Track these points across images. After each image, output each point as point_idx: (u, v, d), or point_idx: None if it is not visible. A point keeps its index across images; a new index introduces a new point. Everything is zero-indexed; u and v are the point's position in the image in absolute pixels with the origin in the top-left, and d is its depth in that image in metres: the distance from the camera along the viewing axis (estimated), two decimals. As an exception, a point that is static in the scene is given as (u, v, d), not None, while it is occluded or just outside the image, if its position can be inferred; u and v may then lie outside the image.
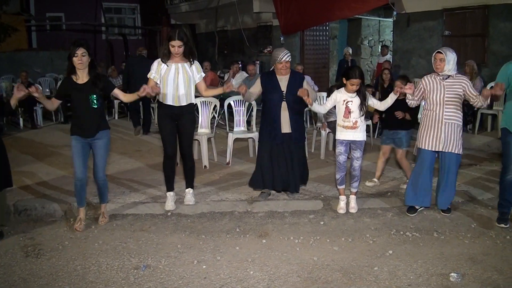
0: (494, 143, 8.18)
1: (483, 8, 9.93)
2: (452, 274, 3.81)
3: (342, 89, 5.19)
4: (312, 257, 4.19)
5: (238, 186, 6.12)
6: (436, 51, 4.89)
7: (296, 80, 5.40)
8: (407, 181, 5.63)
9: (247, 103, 7.49)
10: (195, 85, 5.26)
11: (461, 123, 4.93)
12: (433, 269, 3.94)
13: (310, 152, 7.74)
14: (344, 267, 4.00)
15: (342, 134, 5.22)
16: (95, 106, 4.72)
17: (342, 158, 5.25)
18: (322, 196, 5.73)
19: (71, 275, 3.95)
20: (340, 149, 5.24)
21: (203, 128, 7.34)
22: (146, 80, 5.13)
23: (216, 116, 8.58)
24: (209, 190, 5.96)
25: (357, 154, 5.26)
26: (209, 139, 7.30)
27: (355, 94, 5.12)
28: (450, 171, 5.00)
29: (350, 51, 13.52)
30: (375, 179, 6.13)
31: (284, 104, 5.36)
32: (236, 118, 7.50)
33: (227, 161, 7.23)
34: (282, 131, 5.38)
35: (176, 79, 5.08)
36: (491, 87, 4.83)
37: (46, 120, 11.66)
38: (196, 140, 7.33)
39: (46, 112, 11.72)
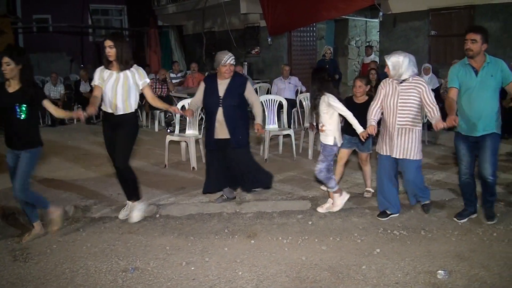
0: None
1: (469, 8, 10.04)
2: (439, 271, 3.84)
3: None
4: (300, 257, 4.21)
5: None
6: (384, 56, 4.84)
7: (236, 84, 5.22)
8: (368, 188, 5.75)
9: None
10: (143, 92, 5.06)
11: (418, 128, 4.78)
12: (421, 267, 3.97)
13: (298, 153, 7.75)
14: (332, 266, 4.02)
15: (320, 136, 5.26)
16: (22, 117, 4.44)
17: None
18: (310, 196, 5.75)
19: (59, 278, 3.93)
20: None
21: (191, 130, 7.34)
22: None
23: (204, 117, 8.57)
24: (198, 191, 5.94)
25: (319, 156, 5.20)
26: (197, 141, 7.30)
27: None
28: (410, 178, 4.91)
29: (331, 50, 12.52)
30: (369, 189, 5.78)
31: (220, 110, 5.16)
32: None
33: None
34: (216, 137, 5.22)
35: (114, 87, 4.85)
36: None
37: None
38: (185, 141, 7.34)
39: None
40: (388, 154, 4.87)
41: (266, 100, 7.79)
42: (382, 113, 4.92)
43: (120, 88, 4.85)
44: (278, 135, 7.90)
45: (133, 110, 4.99)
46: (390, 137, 4.82)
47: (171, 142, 7.32)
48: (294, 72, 11.47)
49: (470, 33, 4.53)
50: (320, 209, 5.25)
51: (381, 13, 10.32)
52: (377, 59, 12.79)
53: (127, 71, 4.88)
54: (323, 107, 5.06)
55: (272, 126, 7.79)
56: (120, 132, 4.93)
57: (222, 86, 5.19)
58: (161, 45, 17.20)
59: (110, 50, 4.78)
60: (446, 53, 10.53)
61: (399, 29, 11.57)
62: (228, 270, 4.01)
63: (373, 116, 4.91)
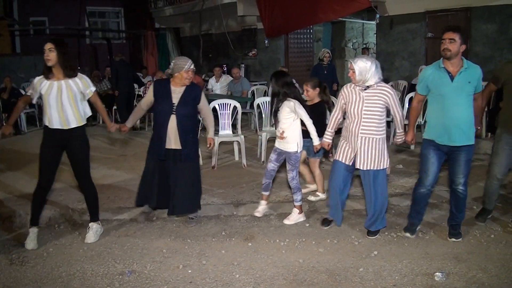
0: (477, 144, 8.24)
1: (465, 10, 10.07)
2: (437, 273, 3.84)
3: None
4: (297, 259, 4.20)
5: (224, 189, 6.11)
6: (350, 61, 4.54)
7: (192, 93, 4.97)
8: (317, 192, 5.70)
9: (232, 106, 7.49)
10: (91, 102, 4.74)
11: (382, 137, 4.50)
12: (418, 269, 3.97)
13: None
14: (329, 269, 4.01)
15: (276, 142, 5.09)
16: None
17: (270, 165, 5.12)
18: (307, 198, 5.74)
19: (56, 282, 3.91)
20: (272, 156, 5.12)
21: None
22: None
23: (201, 119, 8.56)
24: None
25: (287, 166, 5.04)
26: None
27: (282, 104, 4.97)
28: (375, 190, 4.57)
29: (330, 53, 10.74)
30: (318, 193, 5.72)
31: (173, 117, 4.85)
32: (221, 121, 7.50)
33: (213, 164, 7.22)
34: (167, 147, 4.88)
35: (59, 99, 4.44)
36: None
37: (30, 125, 11.54)
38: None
39: (29, 117, 11.65)
40: (344, 161, 4.62)
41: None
42: (344, 119, 4.73)
43: (66, 98, 4.46)
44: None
45: (85, 122, 4.67)
46: (351, 145, 4.55)
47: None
48: (291, 74, 11.43)
49: (448, 32, 4.19)
50: (287, 221, 5.09)
51: (378, 15, 10.36)
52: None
53: (69, 80, 4.48)
54: (285, 113, 4.91)
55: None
56: (74, 148, 4.60)
57: (177, 93, 4.90)
58: (158, 47, 17.21)
59: (50, 54, 4.39)
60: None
61: (396, 31, 11.59)
62: (225, 273, 4.00)
63: (331, 127, 4.81)
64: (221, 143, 7.33)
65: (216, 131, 7.41)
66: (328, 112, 5.72)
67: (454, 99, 4.22)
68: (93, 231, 4.74)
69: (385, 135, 4.56)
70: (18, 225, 5.15)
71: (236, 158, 7.63)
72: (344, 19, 15.96)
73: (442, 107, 4.28)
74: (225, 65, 13.95)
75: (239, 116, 7.52)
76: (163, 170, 4.99)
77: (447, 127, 4.26)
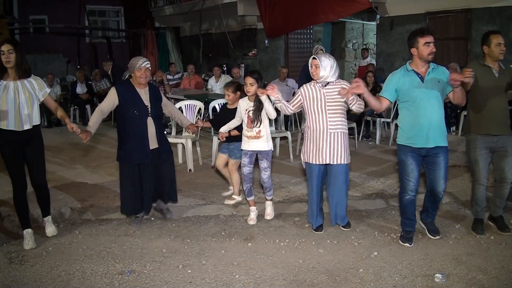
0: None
1: (465, 12, 10.07)
2: (437, 275, 3.84)
3: (246, 98, 5.07)
4: (297, 260, 4.20)
5: (223, 189, 6.10)
6: (312, 57, 4.63)
7: (155, 93, 5.05)
8: (233, 195, 5.66)
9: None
10: (46, 102, 4.68)
11: (347, 131, 4.67)
12: (418, 270, 3.97)
13: (295, 155, 7.74)
14: (329, 270, 4.01)
15: (246, 144, 5.06)
16: None
17: (246, 169, 5.10)
18: (307, 198, 5.73)
19: (55, 281, 3.90)
20: (244, 160, 5.10)
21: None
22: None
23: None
24: (194, 193, 5.94)
25: (264, 164, 5.05)
26: (194, 143, 7.28)
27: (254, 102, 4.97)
28: (342, 184, 4.73)
29: (324, 50, 9.41)
30: (234, 196, 5.66)
31: (150, 120, 4.88)
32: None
33: (212, 164, 7.21)
34: (151, 148, 4.92)
35: (17, 100, 4.42)
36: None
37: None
38: (181, 143, 7.32)
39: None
40: (318, 162, 4.66)
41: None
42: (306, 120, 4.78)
43: (24, 99, 4.44)
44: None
45: (39, 122, 4.63)
46: (320, 143, 4.60)
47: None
48: (291, 74, 11.47)
49: (429, 35, 4.22)
50: (269, 217, 5.19)
51: (378, 16, 10.32)
52: (373, 62, 12.79)
53: (25, 81, 4.47)
54: (264, 112, 4.95)
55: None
56: (32, 150, 4.57)
57: (145, 95, 4.90)
58: (158, 47, 17.16)
59: (10, 56, 4.34)
60: (443, 56, 10.54)
61: (396, 32, 11.59)
62: (225, 273, 3.99)
63: (281, 105, 4.77)
64: (220, 142, 7.31)
65: (216, 131, 7.42)
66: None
67: (427, 99, 4.25)
68: (51, 223, 4.86)
69: (347, 131, 4.71)
70: (18, 224, 5.13)
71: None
72: (344, 20, 15.93)
73: (416, 109, 4.28)
74: (225, 65, 13.94)
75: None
76: (139, 174, 4.97)
77: (423, 128, 4.26)
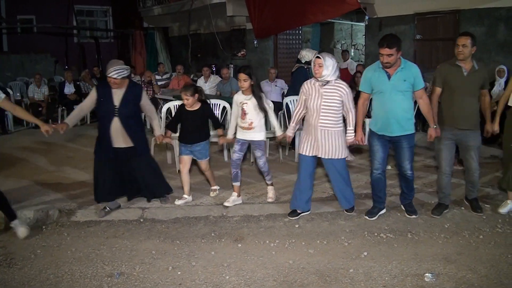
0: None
1: (454, 13, 10.12)
2: (426, 274, 3.86)
3: (240, 92, 5.37)
4: (287, 261, 4.19)
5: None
6: (315, 55, 4.87)
7: (132, 94, 5.17)
8: (214, 187, 5.97)
9: (221, 107, 7.48)
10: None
11: (339, 129, 4.92)
12: (408, 270, 3.98)
13: (284, 155, 7.75)
14: (319, 270, 4.01)
15: (239, 134, 5.42)
16: None
17: (235, 155, 5.46)
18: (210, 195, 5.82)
19: (44, 284, 3.86)
20: (235, 147, 5.47)
21: (178, 132, 7.25)
22: None
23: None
24: (183, 194, 5.90)
25: (257, 153, 5.45)
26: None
27: (250, 96, 5.27)
28: (338, 176, 5.08)
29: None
30: (185, 196, 5.72)
31: (116, 119, 5.05)
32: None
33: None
34: (114, 146, 5.12)
35: None
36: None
37: (17, 125, 11.36)
38: (170, 144, 7.27)
39: (16, 116, 11.48)
40: (307, 154, 5.00)
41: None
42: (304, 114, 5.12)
43: None
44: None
45: None
46: (314, 138, 4.93)
47: (156, 144, 7.23)
48: (280, 75, 11.47)
49: (385, 48, 4.58)
50: (270, 200, 5.66)
51: (367, 17, 10.39)
52: (354, 64, 12.84)
53: None
54: (255, 105, 5.27)
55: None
56: None
57: (117, 95, 5.08)
58: (146, 47, 17.12)
59: None
60: (431, 57, 10.60)
61: (385, 32, 11.50)
62: (215, 274, 3.97)
63: (294, 122, 5.22)
64: (210, 143, 7.28)
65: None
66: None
67: (391, 95, 4.73)
68: (21, 222, 4.83)
69: (342, 127, 4.96)
70: (5, 226, 5.08)
71: (226, 158, 7.59)
72: (333, 20, 16.00)
73: (382, 103, 4.82)
74: (213, 65, 13.90)
75: (228, 116, 7.49)
76: (114, 166, 5.23)
77: (386, 120, 4.80)
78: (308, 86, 4.97)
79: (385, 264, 4.09)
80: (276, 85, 10.05)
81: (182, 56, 16.80)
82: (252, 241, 4.63)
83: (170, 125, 5.77)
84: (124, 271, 4.06)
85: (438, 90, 5.04)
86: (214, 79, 11.04)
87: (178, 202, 5.62)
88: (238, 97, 5.38)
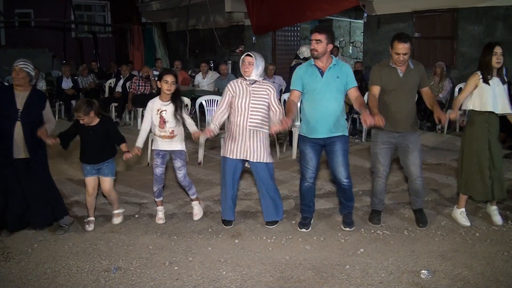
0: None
1: (452, 11, 10.12)
2: (423, 271, 3.87)
3: (157, 98, 4.87)
4: (284, 257, 4.20)
5: (210, 186, 6.10)
6: (246, 54, 4.69)
7: (37, 99, 4.66)
8: (117, 211, 5.08)
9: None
10: None
11: (266, 131, 4.69)
12: (404, 267, 3.99)
13: (282, 152, 7.75)
14: (316, 266, 4.02)
15: (159, 144, 4.90)
16: None
17: (158, 170, 4.94)
18: (294, 195, 5.75)
19: (41, 278, 3.87)
20: (156, 161, 4.93)
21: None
22: None
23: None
24: (181, 190, 5.90)
25: (178, 164, 4.96)
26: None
27: (169, 102, 4.80)
28: (265, 182, 4.79)
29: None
30: (90, 218, 4.94)
31: (18, 125, 4.50)
32: (208, 117, 7.47)
33: (199, 161, 7.20)
34: (17, 157, 4.53)
35: None
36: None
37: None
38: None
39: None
40: (234, 156, 4.70)
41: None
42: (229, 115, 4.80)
43: None
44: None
45: None
46: (239, 139, 4.66)
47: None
48: (278, 71, 11.48)
49: (315, 33, 4.46)
50: (197, 217, 5.11)
51: (365, 14, 10.36)
52: (346, 60, 12.85)
53: None
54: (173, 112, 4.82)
55: None
56: None
57: (21, 98, 4.55)
58: (144, 42, 17.09)
59: None
60: (429, 55, 10.61)
61: (383, 30, 11.62)
62: (212, 269, 3.98)
63: (217, 121, 4.77)
64: (208, 139, 7.30)
65: (203, 128, 7.39)
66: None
67: (324, 93, 4.50)
68: None
69: (267, 130, 4.70)
70: None
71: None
72: (331, 18, 15.97)
73: (313, 101, 4.55)
74: (211, 61, 13.89)
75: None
76: (12, 184, 4.61)
77: (317, 120, 4.52)
78: (234, 85, 4.74)
79: (381, 261, 4.10)
80: (274, 82, 10.07)
81: (180, 52, 16.79)
82: (249, 237, 4.64)
83: (62, 139, 4.76)
84: (121, 266, 4.06)
85: (377, 90, 4.69)
86: (212, 75, 11.04)
87: (88, 228, 4.86)
88: (154, 104, 4.84)
